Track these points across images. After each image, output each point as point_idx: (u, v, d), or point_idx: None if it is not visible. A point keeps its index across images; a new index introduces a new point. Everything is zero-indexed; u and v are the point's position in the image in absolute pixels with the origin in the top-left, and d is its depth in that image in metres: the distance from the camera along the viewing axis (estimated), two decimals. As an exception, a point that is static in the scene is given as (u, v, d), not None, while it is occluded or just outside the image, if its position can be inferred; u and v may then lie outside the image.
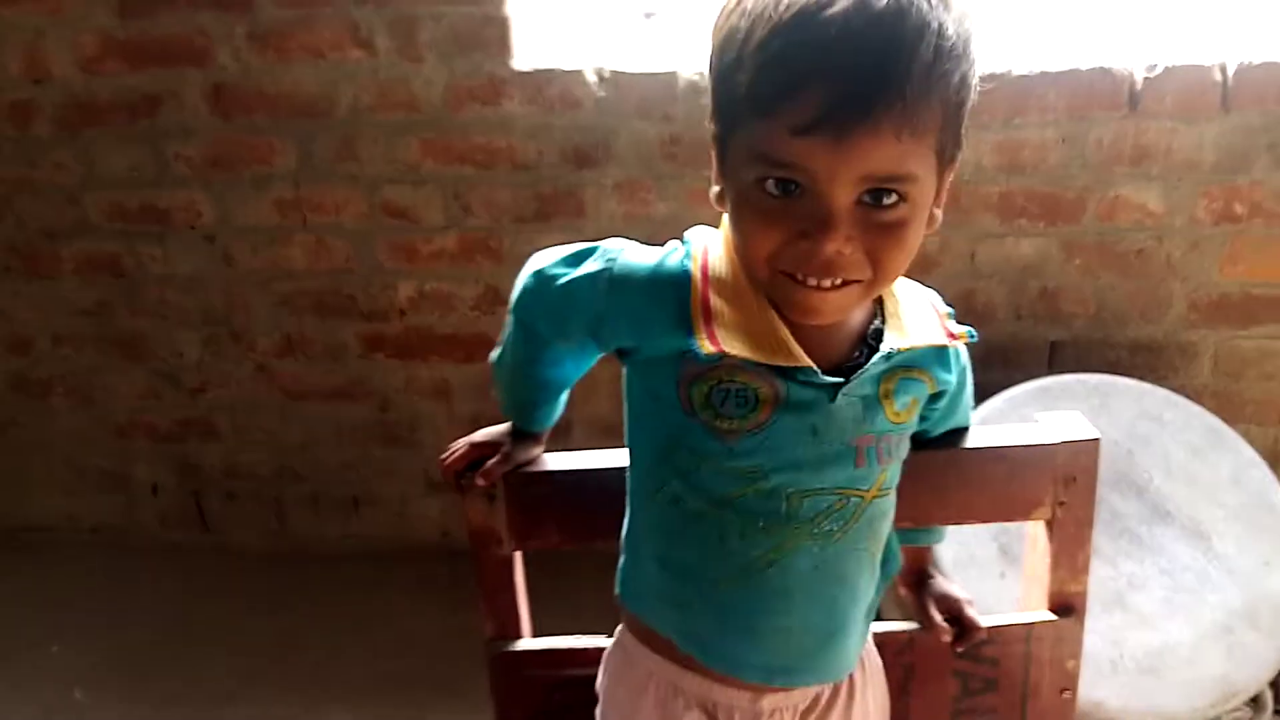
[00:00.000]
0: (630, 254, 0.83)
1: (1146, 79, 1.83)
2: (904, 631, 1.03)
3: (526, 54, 1.96)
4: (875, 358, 0.79)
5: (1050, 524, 0.99)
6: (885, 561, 0.94)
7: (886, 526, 0.89)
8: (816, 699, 0.92)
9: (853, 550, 0.86)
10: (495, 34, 1.90)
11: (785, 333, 0.77)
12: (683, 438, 0.82)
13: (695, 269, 0.80)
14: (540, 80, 1.94)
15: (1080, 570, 1.00)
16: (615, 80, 1.92)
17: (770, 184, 0.70)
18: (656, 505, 0.87)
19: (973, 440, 0.98)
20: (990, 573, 1.60)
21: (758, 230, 0.72)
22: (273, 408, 2.32)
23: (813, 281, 0.72)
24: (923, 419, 0.91)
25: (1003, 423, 1.72)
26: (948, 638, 0.99)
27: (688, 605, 0.88)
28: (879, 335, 0.81)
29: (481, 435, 1.00)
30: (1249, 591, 1.59)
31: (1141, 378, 1.86)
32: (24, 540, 2.50)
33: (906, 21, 0.65)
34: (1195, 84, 1.82)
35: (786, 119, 0.66)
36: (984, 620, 1.01)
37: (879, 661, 0.99)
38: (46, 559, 2.43)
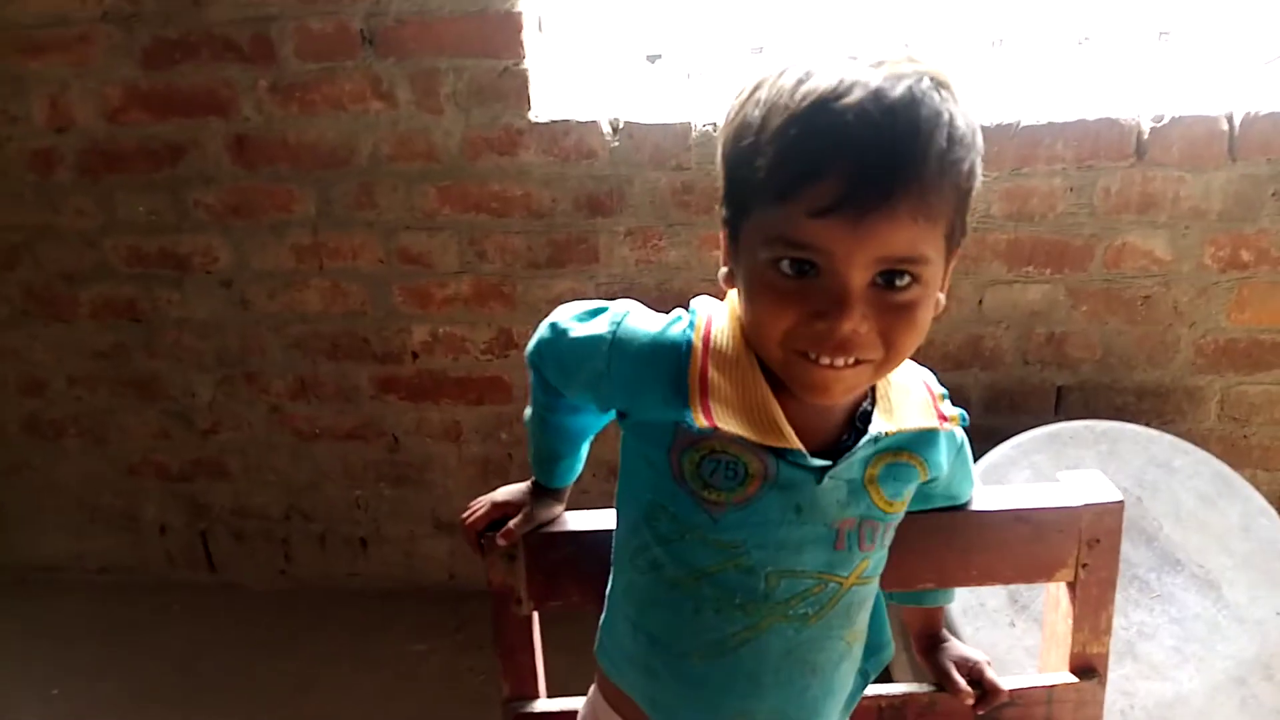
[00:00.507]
0: (635, 319, 0.84)
1: (1153, 128, 1.86)
2: (925, 693, 1.04)
3: (543, 105, 1.99)
4: (862, 441, 0.80)
5: (1073, 585, 1.00)
6: (878, 649, 0.95)
7: (865, 616, 0.89)
8: None
9: (828, 637, 0.86)
10: (514, 86, 1.93)
11: (779, 413, 0.79)
12: (669, 504, 0.83)
13: (697, 340, 0.81)
14: (556, 131, 1.97)
15: (1103, 631, 1.01)
16: (629, 130, 1.95)
17: (786, 264, 0.71)
18: (636, 569, 0.88)
19: (996, 502, 1.00)
20: (1000, 621, 1.61)
21: (773, 309, 0.73)
22: (284, 448, 2.33)
23: (826, 360, 0.73)
24: (924, 498, 0.93)
25: (1012, 469, 1.74)
26: (970, 700, 1.00)
27: (656, 674, 0.88)
28: (867, 418, 0.82)
29: (503, 494, 1.01)
30: (1261, 641, 1.59)
31: (1148, 423, 1.88)
32: (32, 580, 2.51)
33: (921, 111, 0.68)
34: (1202, 134, 1.85)
35: (806, 202, 0.68)
36: (1005, 682, 1.02)
37: None
38: (53, 599, 2.44)
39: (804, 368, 0.74)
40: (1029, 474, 1.73)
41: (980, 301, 2.00)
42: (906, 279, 0.71)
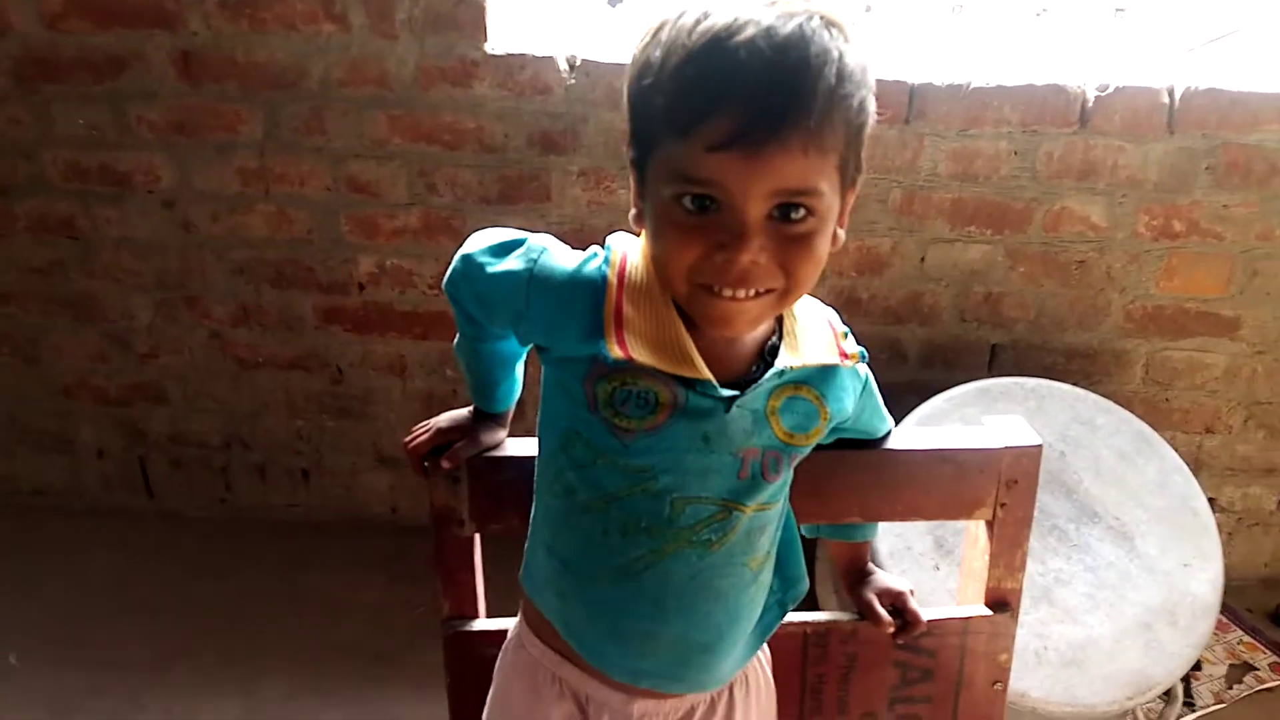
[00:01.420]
0: (552, 256, 0.86)
1: (1098, 97, 1.90)
2: (848, 622, 1.08)
3: (500, 38, 1.97)
4: (769, 373, 0.84)
5: (991, 524, 1.05)
6: (795, 581, 0.98)
7: (766, 542, 0.91)
8: (691, 710, 0.95)
9: (730, 564, 0.88)
10: (470, 16, 1.91)
11: (690, 345, 0.81)
12: (583, 431, 0.85)
13: (612, 275, 0.83)
14: (512, 64, 1.95)
15: (1017, 568, 1.06)
16: (586, 68, 1.94)
17: (688, 200, 0.74)
18: (552, 494, 0.91)
19: (922, 442, 1.04)
20: (925, 565, 1.67)
21: (677, 244, 0.75)
22: (225, 376, 2.31)
23: (729, 293, 0.75)
24: (838, 434, 0.97)
25: (944, 421, 1.80)
26: (891, 629, 1.05)
27: (566, 597, 0.92)
28: (775, 351, 0.85)
29: (446, 420, 1.03)
30: (1168, 591, 1.67)
31: (1076, 383, 1.94)
32: (-40, 500, 2.47)
33: (811, 47, 0.70)
34: (1143, 105, 1.90)
35: (702, 138, 0.70)
36: (924, 614, 1.07)
37: (768, 680, 1.03)
38: (-16, 520, 2.41)
39: (708, 301, 0.77)
40: (959, 426, 1.78)
41: (922, 259, 2.05)
42: (802, 211, 0.73)
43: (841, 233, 0.81)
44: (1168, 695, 1.88)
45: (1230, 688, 1.98)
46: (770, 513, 0.90)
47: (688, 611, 0.88)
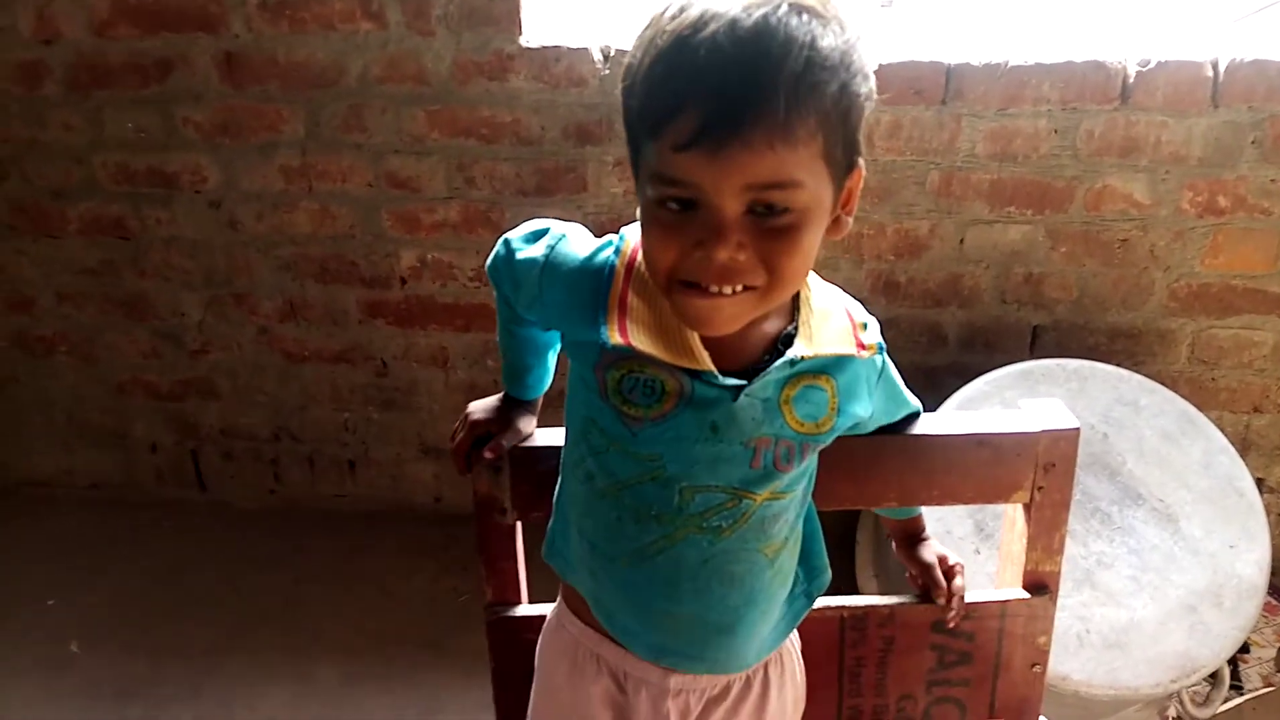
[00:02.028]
0: (571, 243, 0.88)
1: (1139, 73, 1.87)
2: (885, 606, 1.09)
3: (535, 31, 1.98)
4: (779, 362, 0.83)
5: (1029, 507, 1.05)
6: (818, 572, 0.99)
7: (781, 529, 0.91)
8: (727, 688, 0.97)
9: (743, 549, 0.89)
10: (505, 10, 1.93)
11: (694, 336, 0.81)
12: (598, 419, 0.87)
13: (620, 264, 0.85)
14: (547, 57, 1.97)
15: (1055, 551, 1.06)
16: (621, 58, 1.95)
17: (669, 202, 0.74)
18: (576, 479, 0.93)
19: (959, 426, 1.04)
20: (966, 549, 1.67)
21: (659, 243, 0.76)
22: (272, 370, 2.36)
23: (713, 289, 0.75)
24: (861, 426, 0.96)
25: (984, 404, 1.79)
26: (943, 598, 1.06)
27: (596, 574, 0.94)
28: (790, 340, 0.84)
29: (478, 411, 1.04)
30: (1213, 573, 1.66)
31: (1119, 364, 1.93)
32: (22, 495, 2.55)
33: (774, 38, 0.68)
34: (1186, 79, 1.87)
35: (670, 138, 0.71)
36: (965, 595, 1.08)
37: (799, 667, 1.03)
38: (44, 514, 2.48)
39: (688, 299, 0.76)
40: (1000, 409, 1.78)
41: (961, 241, 2.03)
42: (781, 206, 0.73)
43: (848, 219, 0.81)
44: (1214, 678, 1.86)
45: (1279, 671, 1.96)
46: (785, 501, 0.90)
47: (702, 594, 0.89)
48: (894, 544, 1.13)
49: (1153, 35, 2.02)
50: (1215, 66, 1.86)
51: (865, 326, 0.91)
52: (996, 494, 1.05)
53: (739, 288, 0.75)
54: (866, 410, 0.93)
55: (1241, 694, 1.91)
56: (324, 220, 2.17)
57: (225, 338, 2.34)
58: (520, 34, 1.95)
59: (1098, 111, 1.90)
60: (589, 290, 0.85)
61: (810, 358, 0.85)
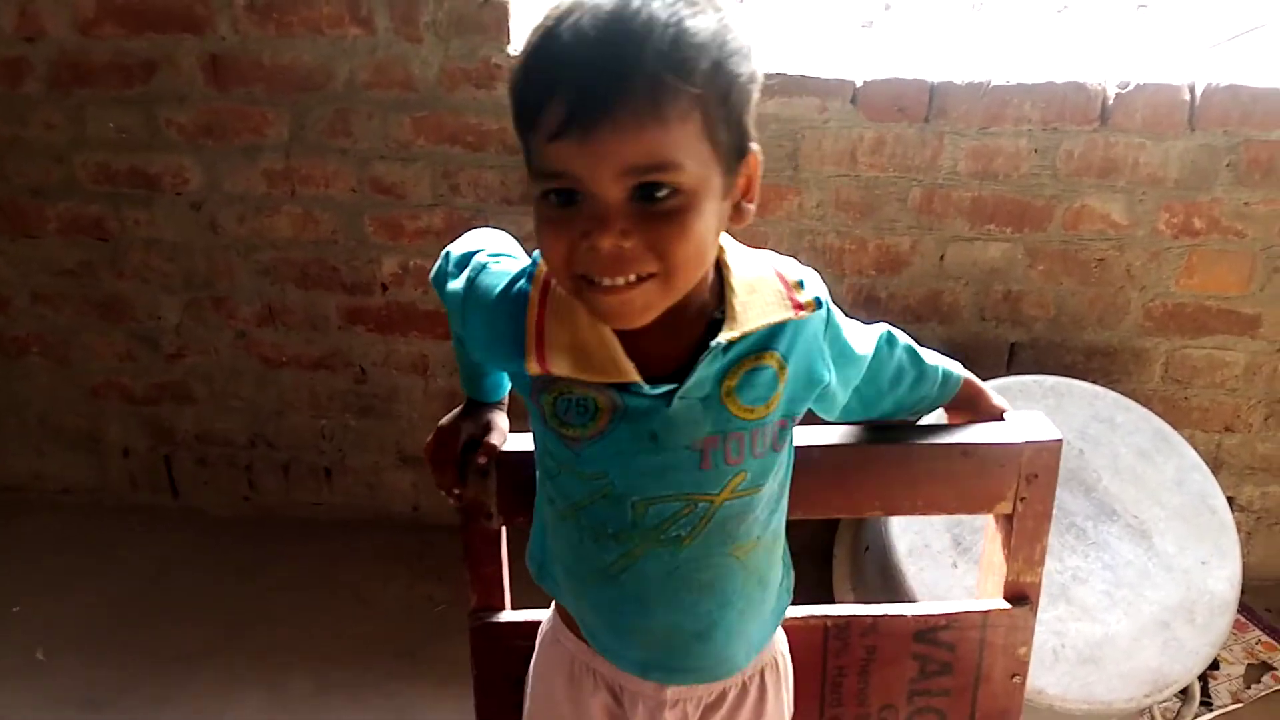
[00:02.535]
0: (490, 273, 0.88)
1: (1118, 95, 1.90)
2: (868, 615, 1.10)
3: (523, 39, 1.99)
4: (703, 358, 0.80)
5: (1010, 517, 1.06)
6: (786, 570, 0.99)
7: (749, 529, 0.88)
8: (723, 694, 0.96)
9: (708, 555, 0.87)
10: (494, 18, 1.93)
11: (615, 347, 0.80)
12: (547, 443, 0.87)
13: (535, 290, 0.83)
14: (534, 66, 1.97)
15: (1036, 562, 1.07)
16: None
17: (552, 197, 0.73)
18: (543, 501, 0.93)
19: (943, 436, 1.05)
20: (943, 562, 1.68)
21: (549, 238, 0.74)
22: (250, 375, 2.34)
23: (607, 281, 0.73)
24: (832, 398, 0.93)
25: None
26: None
27: (574, 595, 0.94)
28: (718, 328, 0.81)
29: (455, 426, 1.03)
30: (1186, 589, 1.68)
31: (1095, 381, 1.95)
32: (-9, 498, 2.51)
33: (636, 19, 0.68)
34: (1164, 102, 1.90)
35: (543, 129, 0.70)
36: (941, 608, 1.09)
37: (789, 667, 1.03)
38: (13, 518, 2.44)
39: (592, 294, 0.75)
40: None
41: (941, 257, 2.05)
42: (665, 190, 0.71)
43: (749, 206, 0.80)
44: (1185, 694, 1.89)
45: (1248, 687, 1.98)
46: (750, 499, 0.87)
47: (674, 606, 0.88)
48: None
49: (1131, 58, 2.06)
50: (1192, 90, 1.90)
51: (801, 285, 0.86)
52: (979, 504, 1.06)
53: (633, 277, 0.73)
54: (827, 372, 0.89)
55: (1211, 710, 1.93)
56: (306, 225, 2.16)
57: (202, 342, 2.31)
58: (509, 43, 1.96)
59: (1077, 132, 1.93)
60: (506, 321, 0.84)
61: (739, 338, 0.81)
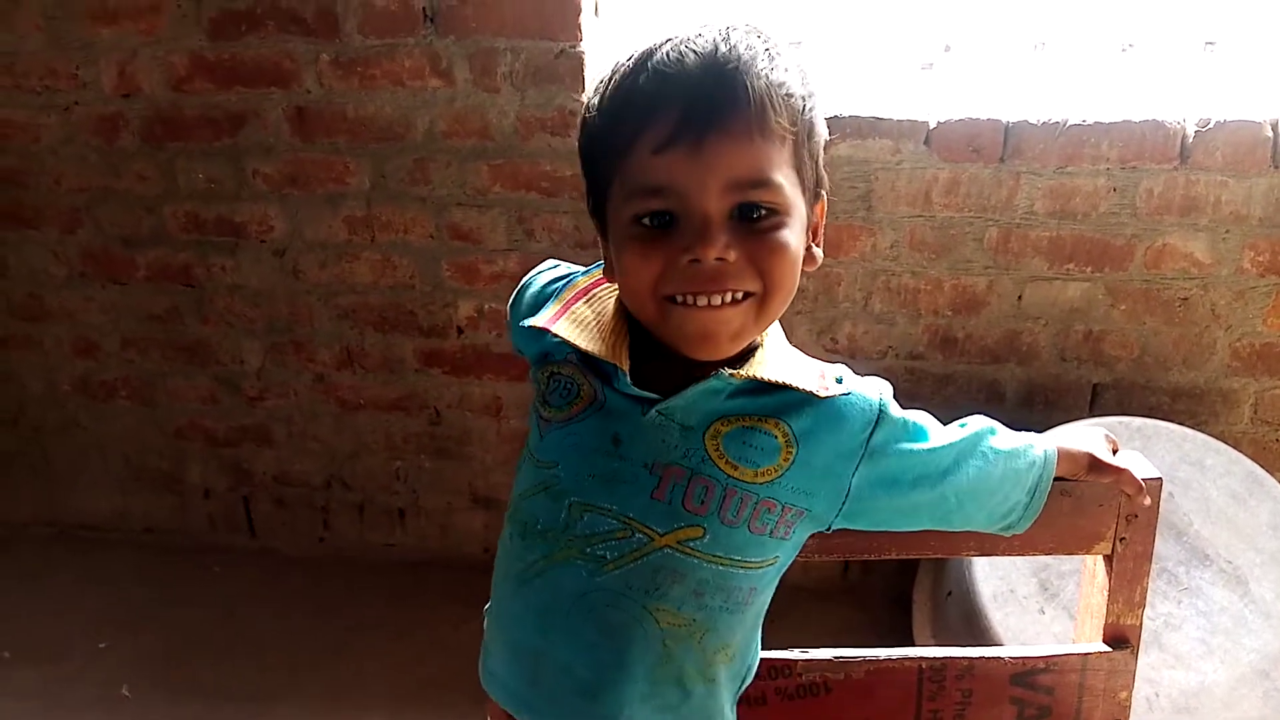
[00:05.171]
0: (543, 272, 0.96)
1: (1198, 133, 1.88)
2: (964, 658, 1.07)
3: (603, 81, 2.03)
4: (702, 384, 0.78)
5: (1110, 558, 1.04)
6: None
7: (681, 596, 0.80)
8: None
9: (626, 596, 0.79)
10: (569, 68, 1.97)
11: (622, 340, 0.81)
12: (529, 439, 0.89)
13: (583, 280, 0.88)
14: (608, 113, 2.01)
15: (1137, 605, 1.04)
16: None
17: (646, 219, 0.74)
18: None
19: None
20: (1030, 608, 1.64)
21: (641, 259, 0.74)
22: (327, 417, 2.39)
23: (703, 301, 0.74)
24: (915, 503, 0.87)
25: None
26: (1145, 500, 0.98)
27: (490, 620, 0.92)
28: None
29: None
30: (1287, 637, 1.62)
31: (1181, 423, 1.90)
32: (78, 537, 2.58)
33: (739, 46, 0.73)
34: (1246, 140, 1.87)
35: (648, 143, 0.72)
36: (1039, 650, 1.06)
37: None
38: (98, 557, 2.51)
39: (682, 316, 0.75)
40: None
41: (1020, 297, 2.03)
42: (763, 210, 0.73)
43: (818, 251, 0.81)
44: (1290, 747, 1.80)
45: (1356, 742, 1.89)
46: (701, 565, 0.79)
47: (573, 636, 0.81)
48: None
49: (1202, 96, 2.03)
50: (1275, 127, 1.87)
51: (840, 380, 0.83)
52: (1077, 544, 1.04)
53: (736, 295, 0.74)
54: (838, 484, 0.82)
55: (1316, 767, 1.84)
56: (385, 270, 2.21)
57: (282, 385, 2.37)
58: (584, 91, 2.00)
59: (1157, 170, 1.91)
60: (545, 301, 0.89)
61: (742, 378, 0.79)
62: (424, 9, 1.98)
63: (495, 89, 2.02)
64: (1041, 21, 2.26)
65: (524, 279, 0.98)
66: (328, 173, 2.14)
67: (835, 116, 1.88)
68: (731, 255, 0.72)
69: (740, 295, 0.74)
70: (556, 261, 0.98)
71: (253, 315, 2.31)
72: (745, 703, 0.97)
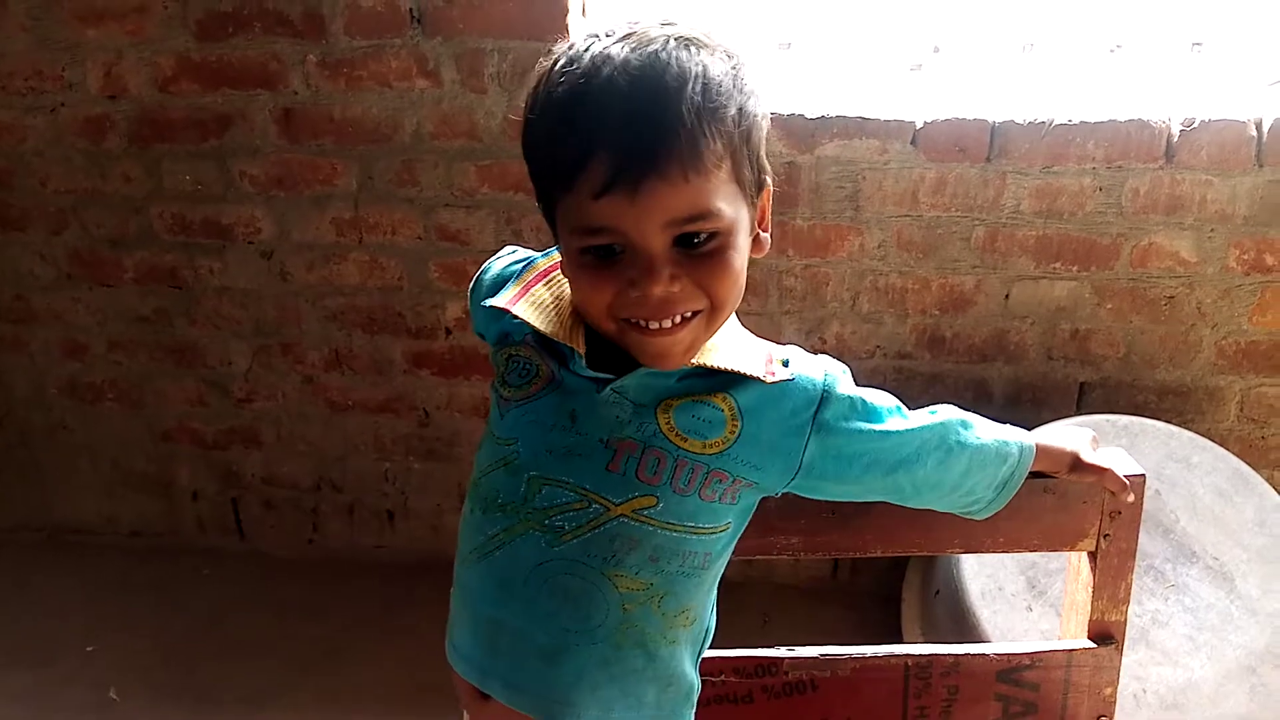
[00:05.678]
0: (500, 257, 0.97)
1: (1183, 132, 1.89)
2: (950, 655, 1.08)
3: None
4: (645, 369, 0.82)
5: (1094, 555, 1.04)
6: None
7: (638, 562, 0.83)
8: None
9: (585, 564, 0.83)
10: (556, 68, 1.97)
11: (577, 323, 0.83)
12: (490, 421, 0.91)
13: (543, 263, 0.90)
14: (596, 113, 2.01)
15: (1121, 601, 1.05)
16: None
17: (591, 252, 0.75)
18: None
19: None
20: (1018, 605, 1.65)
21: (591, 288, 0.77)
22: (316, 419, 2.38)
23: (655, 325, 0.77)
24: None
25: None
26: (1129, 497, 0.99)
27: (454, 595, 0.94)
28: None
29: None
30: (1273, 632, 1.62)
31: (1168, 421, 1.91)
32: (66, 541, 2.57)
33: (668, 73, 0.71)
34: (1231, 139, 1.88)
35: (586, 187, 0.72)
36: (1025, 647, 1.06)
37: None
38: (87, 560, 2.49)
39: (639, 337, 0.78)
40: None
41: (1007, 296, 2.04)
42: (703, 236, 0.75)
43: (766, 236, 0.83)
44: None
45: (1343, 738, 1.90)
46: (655, 533, 0.83)
47: (532, 604, 0.84)
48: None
49: (1190, 96, 2.04)
50: (1259, 126, 1.88)
51: (785, 363, 0.87)
52: (1062, 541, 1.04)
53: (683, 315, 0.77)
54: (787, 459, 0.85)
55: (1302, 762, 1.85)
56: (373, 271, 2.21)
57: (271, 387, 2.36)
58: (571, 90, 2.00)
59: (1142, 170, 1.91)
60: (504, 283, 0.90)
61: (692, 366, 0.82)
62: (410, 10, 1.97)
63: (482, 90, 2.01)
64: (1030, 23, 2.27)
65: (483, 265, 0.99)
66: (315, 174, 2.14)
67: (823, 117, 1.89)
68: (676, 287, 0.75)
69: (690, 314, 0.78)
70: (515, 247, 0.99)
71: (240, 317, 2.30)
72: (732, 700, 0.97)
